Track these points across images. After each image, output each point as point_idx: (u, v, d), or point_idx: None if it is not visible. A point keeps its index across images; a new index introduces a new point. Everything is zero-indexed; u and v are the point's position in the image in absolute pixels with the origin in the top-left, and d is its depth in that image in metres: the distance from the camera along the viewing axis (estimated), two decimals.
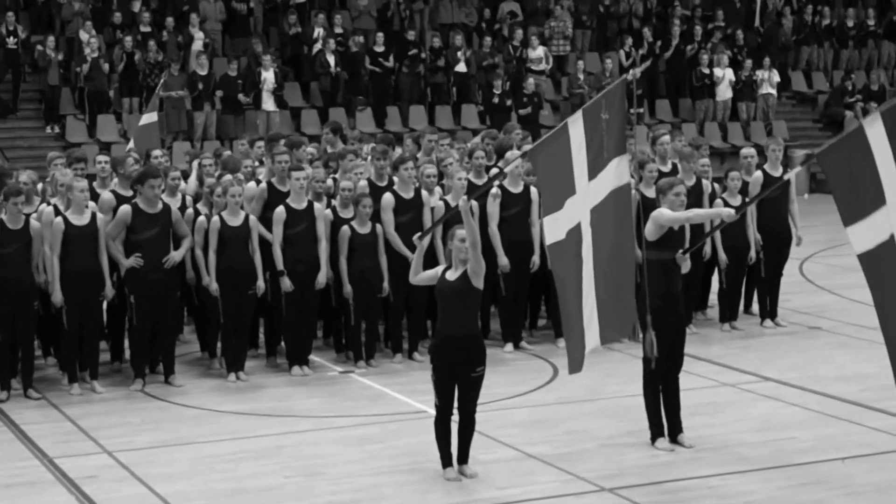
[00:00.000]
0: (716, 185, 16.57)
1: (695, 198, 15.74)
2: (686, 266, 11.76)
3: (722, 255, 16.11)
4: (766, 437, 11.92)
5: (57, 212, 13.75)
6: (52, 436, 12.36)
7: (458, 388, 10.59)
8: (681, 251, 11.59)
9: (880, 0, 37.30)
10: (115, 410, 13.28)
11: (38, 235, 13.60)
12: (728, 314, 16.51)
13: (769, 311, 16.70)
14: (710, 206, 16.03)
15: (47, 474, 11.24)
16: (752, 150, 17.21)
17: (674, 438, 11.60)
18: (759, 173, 16.41)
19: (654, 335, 11.33)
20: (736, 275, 16.33)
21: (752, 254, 16.26)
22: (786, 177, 13.71)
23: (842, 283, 19.37)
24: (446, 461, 10.77)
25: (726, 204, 15.89)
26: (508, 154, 16.12)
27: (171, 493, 10.59)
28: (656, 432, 11.56)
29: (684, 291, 12.06)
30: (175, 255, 13.99)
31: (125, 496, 10.60)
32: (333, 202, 14.94)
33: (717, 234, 15.97)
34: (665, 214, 11.51)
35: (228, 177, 14.83)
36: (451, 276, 10.64)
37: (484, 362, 10.62)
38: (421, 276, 11.05)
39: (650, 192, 15.74)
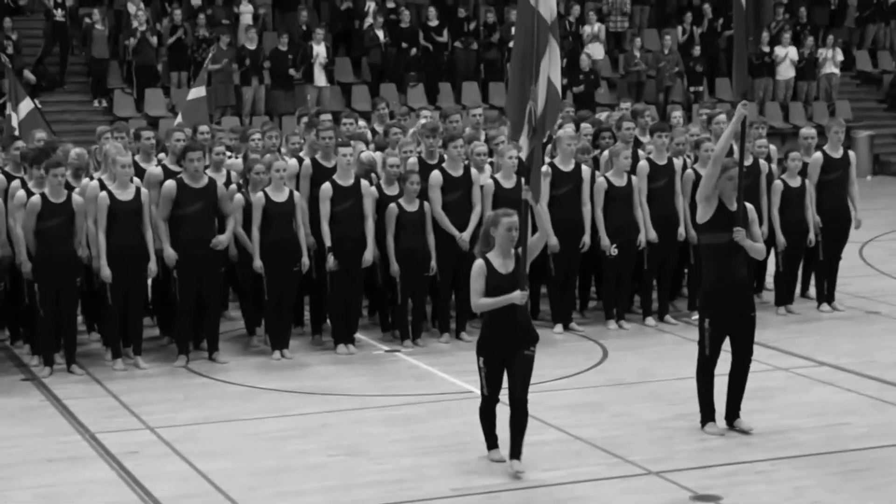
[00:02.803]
0: (773, 166, 16.52)
1: (752, 179, 15.70)
2: (757, 251, 11.42)
3: (780, 237, 16.03)
4: (819, 422, 11.88)
5: (102, 186, 13.86)
6: (94, 411, 12.48)
7: (509, 372, 10.34)
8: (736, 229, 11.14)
9: None
10: (158, 386, 13.39)
11: (81, 210, 13.69)
12: (784, 297, 16.46)
13: (826, 294, 16.64)
14: (769, 188, 16.04)
15: (89, 449, 11.35)
16: (813, 131, 17.09)
17: (731, 423, 11.56)
18: (818, 154, 16.36)
19: (708, 322, 11.31)
20: (793, 257, 16.27)
21: (811, 236, 16.19)
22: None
23: (891, 267, 19.33)
24: (491, 443, 10.68)
25: (786, 185, 15.90)
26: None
27: (213, 471, 10.66)
28: (706, 416, 11.54)
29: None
30: (223, 239, 14.09)
31: (167, 473, 10.68)
32: (378, 179, 15.00)
33: (776, 215, 15.95)
34: (701, 184, 11.41)
35: (268, 155, 14.88)
36: (503, 267, 10.21)
37: (536, 343, 10.42)
38: (486, 302, 10.18)
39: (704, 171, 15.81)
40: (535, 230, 10.49)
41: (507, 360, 10.29)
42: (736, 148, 11.72)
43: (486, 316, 10.38)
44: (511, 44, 30.47)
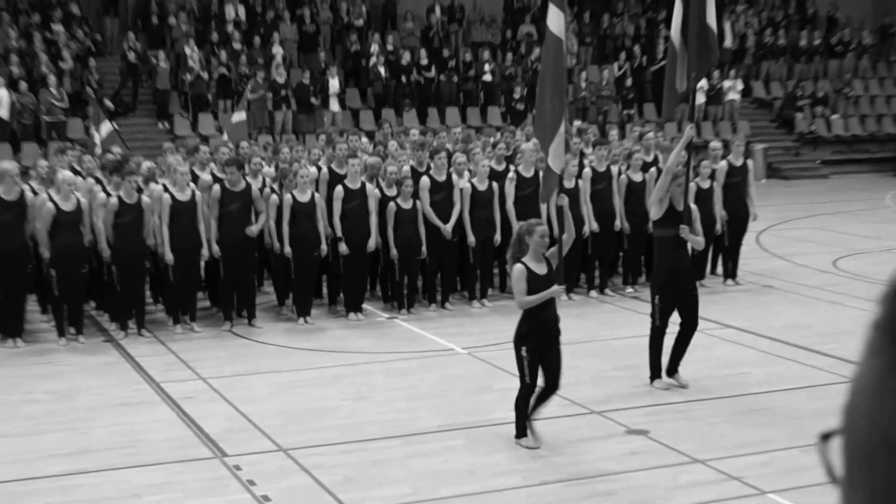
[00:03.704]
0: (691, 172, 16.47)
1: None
2: (697, 243, 11.27)
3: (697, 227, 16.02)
4: (725, 372, 11.91)
5: (165, 189, 13.82)
6: (159, 365, 12.47)
7: (546, 362, 9.47)
8: (682, 226, 11.00)
9: (827, 24, 37.00)
10: (208, 346, 13.37)
11: (149, 209, 13.67)
12: (698, 274, 16.42)
13: (731, 272, 16.65)
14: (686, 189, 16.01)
15: (155, 395, 11.34)
16: (719, 144, 17.09)
17: (670, 376, 11.40)
18: (724, 162, 16.37)
19: (658, 299, 11.12)
20: (705, 243, 16.23)
21: (718, 227, 16.18)
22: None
23: (790, 251, 19.32)
24: (524, 431, 9.64)
25: (699, 187, 15.87)
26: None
27: (251, 412, 10.66)
28: (655, 374, 11.35)
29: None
30: (253, 229, 14.03)
31: (216, 413, 10.68)
32: (381, 182, 14.95)
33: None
34: (656, 188, 11.27)
35: (296, 164, 14.85)
36: (540, 269, 9.44)
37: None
38: (531, 298, 9.35)
39: (636, 177, 15.81)
40: (561, 231, 9.90)
41: (544, 351, 9.46)
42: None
43: (526, 312, 9.43)
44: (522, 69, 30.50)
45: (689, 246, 11.24)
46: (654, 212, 11.19)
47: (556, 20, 10.13)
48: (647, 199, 15.83)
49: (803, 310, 15.00)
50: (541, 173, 15.31)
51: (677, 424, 10.19)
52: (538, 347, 9.43)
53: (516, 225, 14.90)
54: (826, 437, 1.35)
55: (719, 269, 16.90)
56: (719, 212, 16.23)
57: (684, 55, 10.93)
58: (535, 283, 9.35)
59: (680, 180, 11.18)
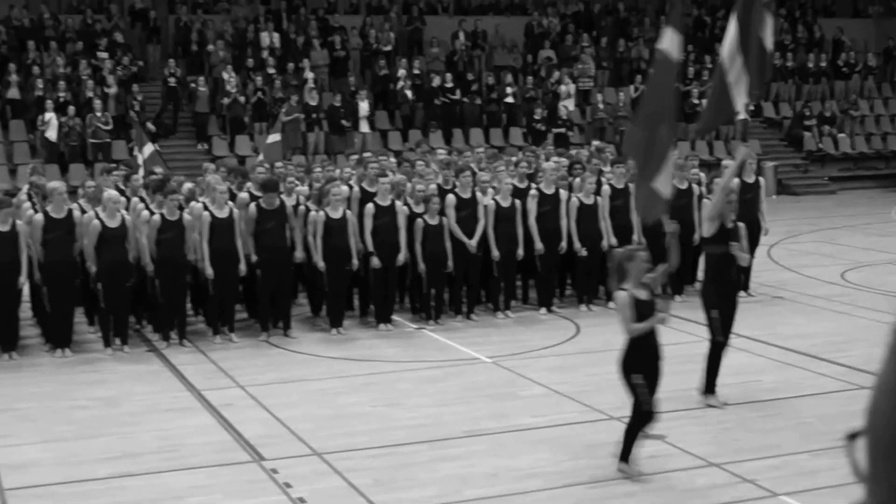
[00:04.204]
0: (703, 189, 16.45)
1: (687, 198, 15.72)
2: (744, 260, 10.93)
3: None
4: (737, 379, 11.83)
5: (205, 207, 13.88)
6: (200, 374, 12.51)
7: (653, 386, 8.93)
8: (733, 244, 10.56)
9: (833, 48, 36.90)
10: (246, 355, 13.40)
11: (190, 225, 13.73)
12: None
13: (743, 284, 16.55)
14: (699, 205, 15.98)
15: (196, 402, 11.39)
16: (731, 161, 17.03)
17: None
18: (736, 180, 16.22)
19: (717, 313, 10.66)
20: None
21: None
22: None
23: (800, 264, 19.25)
24: (628, 456, 9.04)
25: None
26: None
27: (287, 417, 10.69)
28: (709, 390, 10.93)
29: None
30: (298, 255, 14.22)
31: (253, 419, 10.71)
32: (409, 200, 14.98)
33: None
34: (706, 207, 10.85)
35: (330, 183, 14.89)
36: (643, 295, 8.80)
37: None
38: (641, 326, 8.76)
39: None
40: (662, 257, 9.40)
41: (653, 378, 8.90)
42: (736, 180, 11.03)
43: (634, 339, 8.78)
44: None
45: None
46: (706, 229, 10.73)
47: (670, 42, 9.69)
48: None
49: (812, 319, 14.95)
50: (561, 191, 15.39)
51: (693, 429, 10.17)
52: (650, 374, 8.86)
53: (538, 240, 15.03)
54: (852, 436, 1.37)
55: None
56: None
57: (741, 76, 10.40)
58: (641, 309, 8.75)
59: (731, 197, 10.94)
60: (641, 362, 8.80)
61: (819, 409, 10.77)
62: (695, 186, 16.20)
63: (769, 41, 10.12)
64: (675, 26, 9.74)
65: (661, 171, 9.62)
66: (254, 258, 14.00)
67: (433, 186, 15.23)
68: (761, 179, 16.75)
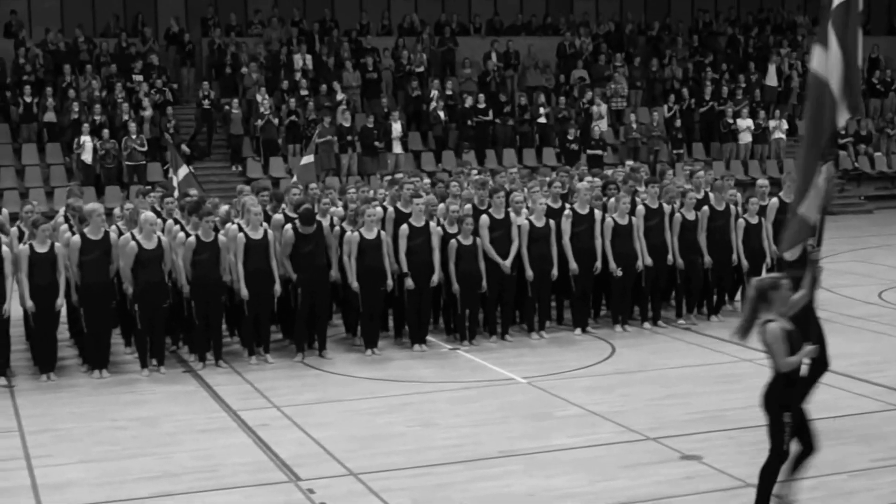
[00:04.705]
0: (739, 209, 16.40)
1: (724, 219, 15.78)
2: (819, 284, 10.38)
3: (744, 261, 15.97)
4: None
5: (240, 228, 13.98)
6: (235, 394, 12.57)
7: (804, 426, 8.37)
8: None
9: (868, 65, 36.74)
10: (282, 376, 13.45)
11: (225, 247, 13.82)
12: None
13: None
14: (735, 225, 15.90)
15: (232, 422, 11.45)
16: (766, 181, 16.98)
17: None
18: (775, 199, 16.09)
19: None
20: (752, 275, 15.99)
21: (767, 261, 16.02)
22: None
23: (836, 283, 19.12)
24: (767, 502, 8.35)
25: (747, 223, 15.80)
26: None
27: (323, 438, 10.73)
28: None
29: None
30: (334, 274, 14.29)
31: (289, 439, 10.76)
32: (442, 220, 15.04)
33: (741, 246, 15.86)
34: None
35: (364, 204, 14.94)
36: (788, 325, 8.08)
37: None
38: (795, 359, 8.05)
39: (690, 216, 15.74)
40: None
41: (802, 413, 8.36)
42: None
43: (784, 374, 8.05)
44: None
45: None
46: (791, 254, 10.18)
47: (818, 61, 9.34)
48: (700, 236, 15.80)
49: (849, 339, 14.85)
50: (595, 210, 15.41)
51: (729, 450, 10.15)
52: (800, 411, 8.30)
53: (573, 260, 15.05)
54: None
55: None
56: (769, 246, 16.08)
57: (844, 94, 9.87)
58: (791, 340, 8.02)
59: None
60: (791, 397, 8.16)
61: (857, 429, 10.72)
62: (732, 207, 16.16)
63: (860, 56, 9.79)
64: (822, 43, 9.36)
65: (807, 195, 9.25)
66: (293, 277, 14.07)
67: (467, 207, 15.28)
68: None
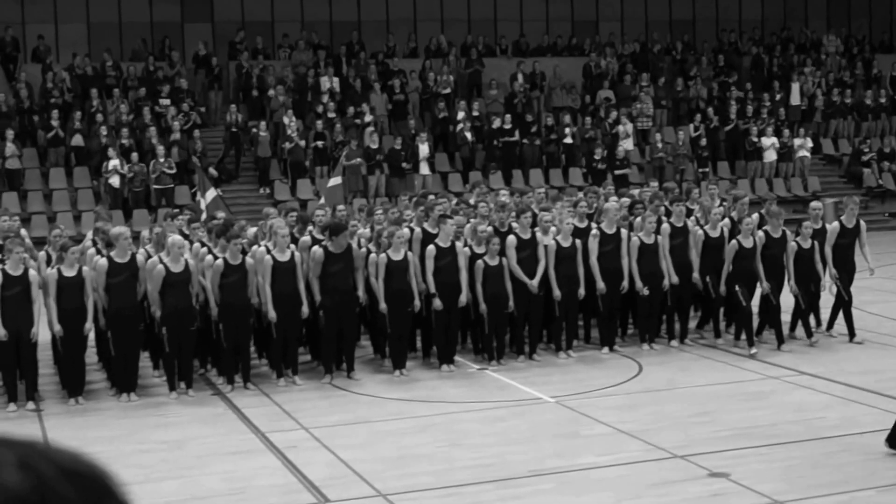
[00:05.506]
0: (790, 232, 15.64)
1: (779, 248, 15.29)
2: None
3: (793, 285, 15.35)
4: (801, 416, 11.76)
5: (267, 251, 14.02)
6: (264, 416, 12.58)
7: None
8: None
9: (891, 83, 36.66)
10: (310, 398, 13.47)
11: (252, 269, 13.86)
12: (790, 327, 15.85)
13: (829, 324, 16.14)
14: (787, 248, 15.31)
15: (261, 444, 11.45)
16: (819, 203, 16.54)
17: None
18: (836, 223, 15.77)
19: None
20: (807, 300, 15.61)
21: (826, 282, 15.58)
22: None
23: (862, 301, 18.95)
24: None
25: (799, 246, 15.32)
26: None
27: (351, 459, 10.71)
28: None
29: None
30: (359, 294, 14.29)
31: (318, 461, 10.75)
32: (469, 241, 15.05)
33: (793, 270, 15.32)
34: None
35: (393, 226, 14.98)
36: None
37: None
38: None
39: (714, 233, 15.65)
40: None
41: None
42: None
43: None
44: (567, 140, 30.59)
45: None
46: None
47: None
48: (756, 265, 15.22)
49: (876, 356, 14.78)
50: (622, 230, 15.41)
51: (757, 467, 10.09)
52: None
53: (600, 279, 15.02)
54: None
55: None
56: (830, 270, 15.64)
57: None
58: None
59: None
60: None
61: (883, 445, 10.63)
62: (791, 240, 15.46)
63: None
64: None
65: None
66: (318, 299, 14.09)
67: (489, 228, 15.29)
68: (862, 223, 16.08)
